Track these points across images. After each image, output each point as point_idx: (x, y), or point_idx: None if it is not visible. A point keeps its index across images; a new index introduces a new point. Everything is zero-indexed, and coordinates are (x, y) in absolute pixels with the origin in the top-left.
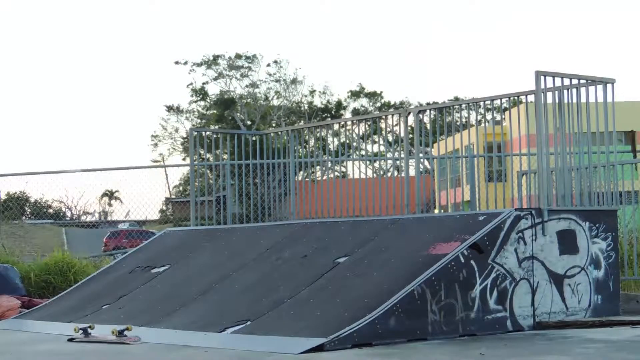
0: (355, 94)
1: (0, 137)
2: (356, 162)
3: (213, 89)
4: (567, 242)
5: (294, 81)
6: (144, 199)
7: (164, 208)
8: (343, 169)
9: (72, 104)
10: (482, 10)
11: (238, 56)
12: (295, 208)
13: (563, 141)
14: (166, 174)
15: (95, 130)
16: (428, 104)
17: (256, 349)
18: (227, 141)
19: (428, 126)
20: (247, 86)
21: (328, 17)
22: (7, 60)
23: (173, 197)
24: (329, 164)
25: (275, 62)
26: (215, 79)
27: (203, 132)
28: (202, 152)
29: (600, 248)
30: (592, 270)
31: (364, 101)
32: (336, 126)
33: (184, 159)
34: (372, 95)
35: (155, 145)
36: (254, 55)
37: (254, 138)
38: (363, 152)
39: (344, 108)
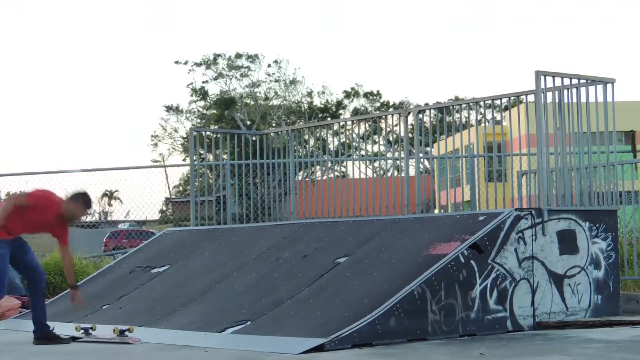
0: (350, 94)
1: (0, 137)
2: (356, 162)
3: (213, 89)
4: (567, 242)
5: (293, 82)
6: (144, 199)
7: (164, 208)
8: (343, 169)
9: (72, 103)
10: (482, 10)
11: (238, 56)
12: (295, 208)
13: (563, 141)
14: (166, 174)
15: (95, 130)
16: (428, 104)
17: (256, 349)
18: (227, 141)
19: (428, 126)
20: (247, 86)
21: (328, 17)
22: (7, 60)
23: (173, 197)
24: (329, 164)
25: (276, 62)
26: (215, 78)
27: (203, 132)
28: (202, 152)
29: (600, 248)
30: (592, 270)
31: (363, 101)
32: (336, 126)
33: (184, 159)
34: (370, 95)
35: (155, 145)
36: (255, 55)
37: (254, 138)
38: (363, 152)
39: (344, 108)
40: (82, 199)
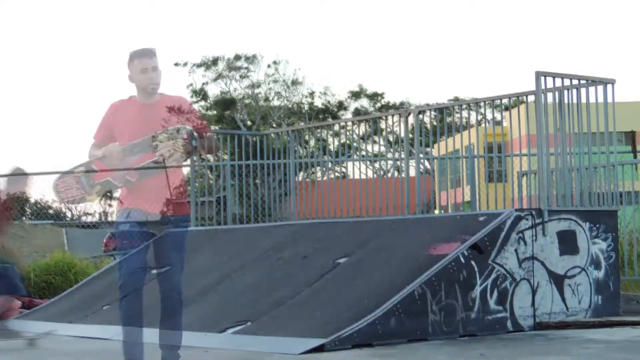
0: (355, 95)
1: (0, 137)
2: (356, 163)
3: (213, 90)
4: (567, 243)
5: (293, 82)
6: None
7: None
8: (343, 170)
9: (73, 103)
10: (482, 10)
11: (237, 57)
12: (296, 208)
13: (563, 141)
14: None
15: None
16: (428, 104)
17: (256, 349)
18: (227, 142)
19: (428, 126)
20: (247, 87)
21: (328, 17)
22: (6, 60)
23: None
24: (329, 165)
25: (275, 62)
26: (215, 79)
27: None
28: (202, 152)
29: (600, 248)
30: (592, 270)
31: (364, 102)
32: (336, 126)
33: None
34: (373, 96)
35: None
36: (254, 56)
37: (254, 138)
38: (363, 153)
39: (345, 109)
40: (132, 57)
